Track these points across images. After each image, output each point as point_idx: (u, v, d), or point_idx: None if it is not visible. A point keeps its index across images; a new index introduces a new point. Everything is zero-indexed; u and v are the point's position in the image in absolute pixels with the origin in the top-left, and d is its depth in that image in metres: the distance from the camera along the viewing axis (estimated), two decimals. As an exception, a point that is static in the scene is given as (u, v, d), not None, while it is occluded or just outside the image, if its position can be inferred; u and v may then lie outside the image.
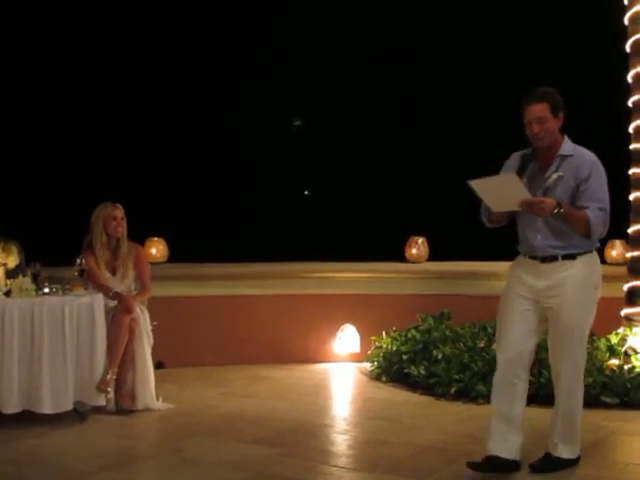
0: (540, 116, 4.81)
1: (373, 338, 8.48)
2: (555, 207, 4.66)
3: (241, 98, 14.22)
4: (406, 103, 13.23)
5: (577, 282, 4.83)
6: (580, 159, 4.85)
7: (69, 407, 6.29)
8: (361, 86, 13.49)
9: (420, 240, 9.65)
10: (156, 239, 9.30)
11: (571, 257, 4.85)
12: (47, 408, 6.17)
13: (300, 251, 10.22)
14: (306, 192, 16.43)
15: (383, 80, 13.34)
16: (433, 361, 7.55)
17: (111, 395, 6.61)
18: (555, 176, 4.83)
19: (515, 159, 5.01)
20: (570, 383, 4.93)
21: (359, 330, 8.88)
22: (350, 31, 13.23)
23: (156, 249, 9.22)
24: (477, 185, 4.75)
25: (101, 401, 6.50)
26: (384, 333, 8.42)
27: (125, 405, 6.72)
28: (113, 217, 7.03)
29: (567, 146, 4.90)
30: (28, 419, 6.16)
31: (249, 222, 13.66)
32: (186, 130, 13.72)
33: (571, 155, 4.87)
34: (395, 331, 8.37)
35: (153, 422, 6.56)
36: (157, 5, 12.88)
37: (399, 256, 9.72)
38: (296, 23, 13.27)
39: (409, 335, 8.16)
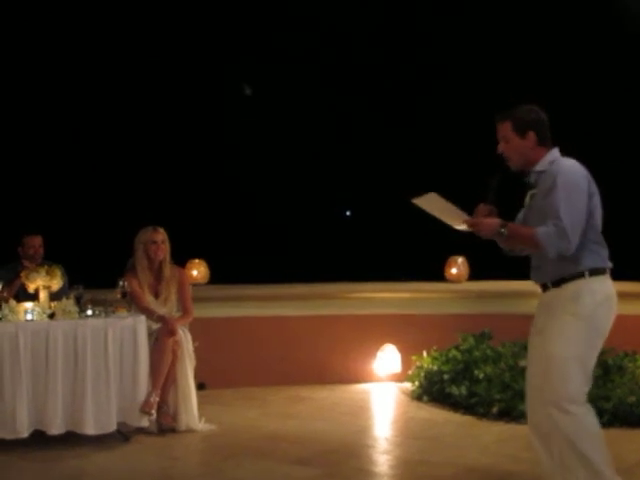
0: (502, 135, 4.50)
1: (414, 358, 8.46)
2: (498, 227, 4.35)
3: (281, 121, 14.34)
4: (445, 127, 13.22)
5: (558, 308, 4.35)
6: (549, 172, 4.40)
7: (112, 428, 6.34)
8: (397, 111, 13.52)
9: (460, 260, 9.65)
10: (197, 261, 9.39)
11: (557, 284, 4.39)
12: (90, 429, 6.22)
13: (341, 271, 10.25)
14: (348, 213, 16.48)
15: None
16: (474, 381, 7.52)
17: (154, 416, 6.65)
18: (529, 194, 4.54)
19: None
20: (554, 416, 4.26)
21: (400, 350, 8.86)
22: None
23: (197, 271, 9.31)
24: (421, 202, 4.57)
25: (144, 422, 6.54)
26: (425, 353, 8.39)
27: (166, 423, 6.73)
28: (153, 241, 7.08)
29: (543, 161, 4.44)
30: (71, 440, 6.23)
31: (290, 243, 13.72)
32: (228, 154, 13.85)
33: (544, 171, 4.43)
34: (436, 351, 8.34)
35: (195, 443, 6.59)
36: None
37: (439, 276, 9.72)
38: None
39: (450, 355, 8.12)
